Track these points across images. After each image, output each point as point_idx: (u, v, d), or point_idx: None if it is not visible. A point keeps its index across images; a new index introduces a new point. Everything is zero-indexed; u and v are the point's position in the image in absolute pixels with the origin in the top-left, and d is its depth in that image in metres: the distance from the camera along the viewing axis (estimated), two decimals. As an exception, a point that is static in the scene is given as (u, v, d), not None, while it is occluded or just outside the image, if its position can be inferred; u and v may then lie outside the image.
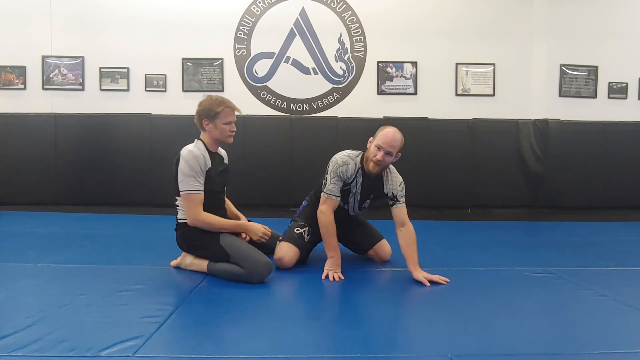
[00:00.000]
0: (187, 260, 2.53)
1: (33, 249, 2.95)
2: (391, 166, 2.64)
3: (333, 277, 2.42)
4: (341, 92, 5.03)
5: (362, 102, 5.00)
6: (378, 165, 2.47)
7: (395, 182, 2.60)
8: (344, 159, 2.55)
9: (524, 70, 5.09)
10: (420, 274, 2.39)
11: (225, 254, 2.34)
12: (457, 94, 5.08)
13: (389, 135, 2.46)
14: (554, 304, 2.15)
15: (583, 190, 5.00)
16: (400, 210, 2.55)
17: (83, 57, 4.87)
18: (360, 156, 2.59)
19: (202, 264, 2.46)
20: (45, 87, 4.86)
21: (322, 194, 2.54)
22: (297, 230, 2.71)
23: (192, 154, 2.39)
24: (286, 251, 2.61)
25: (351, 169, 2.54)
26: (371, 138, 2.56)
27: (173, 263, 2.59)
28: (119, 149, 4.80)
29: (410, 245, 2.48)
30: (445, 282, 2.37)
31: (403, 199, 2.58)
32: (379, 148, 2.45)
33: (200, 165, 2.39)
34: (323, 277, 2.43)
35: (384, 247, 2.86)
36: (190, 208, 2.38)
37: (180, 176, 2.39)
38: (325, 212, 2.51)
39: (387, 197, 2.59)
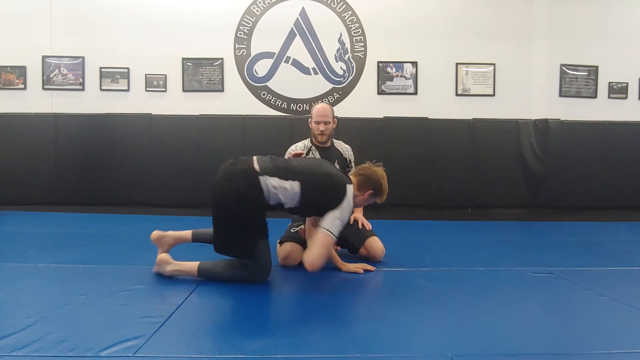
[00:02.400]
0: (168, 267, 2.38)
1: (33, 249, 2.95)
2: (334, 140, 3.13)
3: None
4: (341, 92, 5.03)
5: (362, 102, 5.00)
6: (324, 134, 2.97)
7: (348, 148, 3.12)
8: (294, 145, 3.08)
9: (524, 70, 5.08)
10: (351, 266, 2.60)
11: (250, 252, 2.29)
12: (457, 94, 5.07)
13: (319, 109, 3.01)
14: (554, 304, 2.15)
15: (583, 190, 5.00)
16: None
17: (83, 57, 4.87)
18: (308, 139, 3.10)
19: (191, 268, 2.36)
20: (45, 87, 4.86)
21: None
22: (294, 229, 2.79)
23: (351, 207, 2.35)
24: (290, 250, 2.67)
25: (300, 146, 3.03)
26: (309, 120, 3.07)
27: (154, 269, 2.45)
28: (119, 149, 4.80)
29: None
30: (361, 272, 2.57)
31: (353, 164, 3.03)
32: (317, 122, 2.98)
33: None
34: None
35: (373, 244, 2.82)
36: (323, 247, 2.26)
37: (336, 214, 2.25)
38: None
39: (347, 164, 3.02)
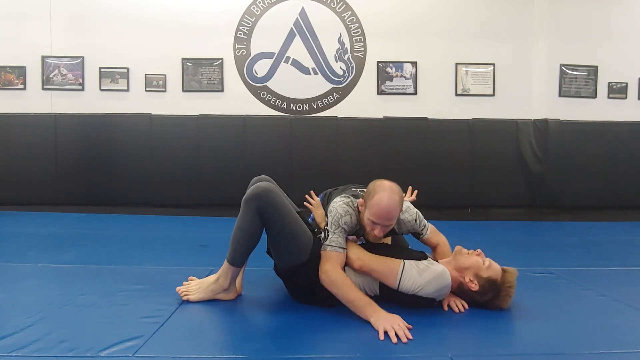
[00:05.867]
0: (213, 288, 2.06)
1: (33, 249, 2.95)
2: None
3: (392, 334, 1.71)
4: (341, 92, 5.03)
5: (362, 102, 5.00)
6: (377, 239, 2.03)
7: (407, 223, 2.14)
8: (344, 209, 2.01)
9: (524, 70, 5.09)
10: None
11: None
12: (457, 94, 5.07)
13: (382, 207, 1.90)
14: (554, 304, 2.14)
15: (583, 190, 5.00)
16: (428, 239, 2.22)
17: (83, 57, 4.87)
18: (357, 206, 2.07)
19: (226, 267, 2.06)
20: (45, 87, 4.86)
21: (324, 248, 1.97)
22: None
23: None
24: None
25: (354, 220, 2.03)
26: (361, 200, 2.03)
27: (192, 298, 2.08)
28: (119, 149, 4.80)
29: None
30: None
31: (426, 228, 2.21)
32: (374, 222, 1.95)
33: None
34: (383, 337, 1.71)
35: None
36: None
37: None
38: (331, 272, 1.91)
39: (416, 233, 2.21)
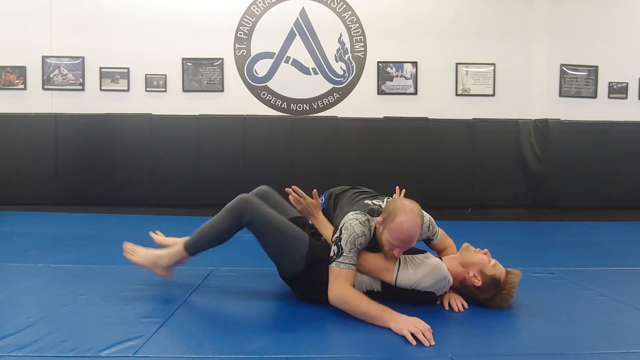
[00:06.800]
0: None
1: (33, 249, 2.95)
2: None
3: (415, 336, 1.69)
4: (341, 92, 5.03)
5: (362, 102, 5.00)
6: (396, 257, 1.98)
7: (422, 232, 2.06)
8: (361, 230, 1.94)
9: (524, 70, 5.09)
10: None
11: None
12: (457, 94, 5.07)
13: (404, 231, 1.83)
14: (554, 304, 2.14)
15: (583, 190, 5.00)
16: (437, 244, 2.23)
17: (83, 57, 4.87)
18: (373, 226, 2.00)
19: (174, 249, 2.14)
20: (45, 87, 4.86)
21: (333, 265, 1.91)
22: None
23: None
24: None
25: (368, 239, 1.98)
26: (379, 219, 1.94)
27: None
28: (119, 149, 4.80)
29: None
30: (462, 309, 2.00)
31: (437, 233, 2.21)
32: (394, 245, 1.88)
33: None
34: (412, 340, 1.67)
35: None
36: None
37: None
38: (339, 291, 1.87)
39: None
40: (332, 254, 1.94)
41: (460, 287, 2.02)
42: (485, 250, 2.05)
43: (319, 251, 2.01)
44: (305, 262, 1.98)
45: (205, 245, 2.09)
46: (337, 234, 1.96)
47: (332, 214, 2.28)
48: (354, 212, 2.02)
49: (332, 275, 1.91)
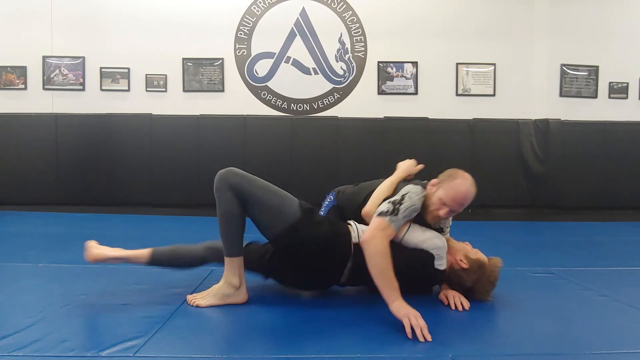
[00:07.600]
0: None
1: (33, 249, 2.95)
2: None
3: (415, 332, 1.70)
4: (341, 92, 5.03)
5: (363, 102, 5.00)
6: (438, 219, 2.10)
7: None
8: (420, 204, 2.04)
9: (525, 70, 5.08)
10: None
11: None
12: (457, 94, 5.07)
13: (460, 191, 1.99)
14: (554, 304, 2.14)
15: (584, 190, 5.00)
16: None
17: (84, 57, 4.87)
18: (420, 199, 2.07)
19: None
20: (45, 87, 4.86)
21: (386, 219, 1.93)
22: None
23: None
24: None
25: (416, 214, 2.06)
26: (435, 180, 2.09)
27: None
28: (119, 149, 4.81)
29: None
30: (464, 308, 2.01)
31: (449, 229, 2.31)
32: (445, 204, 1.99)
33: None
34: (409, 331, 1.70)
35: None
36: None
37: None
38: (380, 241, 1.88)
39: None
40: (384, 209, 1.97)
41: (450, 273, 2.12)
42: (466, 242, 2.22)
43: (311, 208, 2.07)
44: (301, 210, 2.01)
45: (234, 234, 1.99)
46: (397, 197, 2.02)
47: (347, 206, 2.37)
48: (416, 186, 2.11)
49: (379, 226, 1.92)
